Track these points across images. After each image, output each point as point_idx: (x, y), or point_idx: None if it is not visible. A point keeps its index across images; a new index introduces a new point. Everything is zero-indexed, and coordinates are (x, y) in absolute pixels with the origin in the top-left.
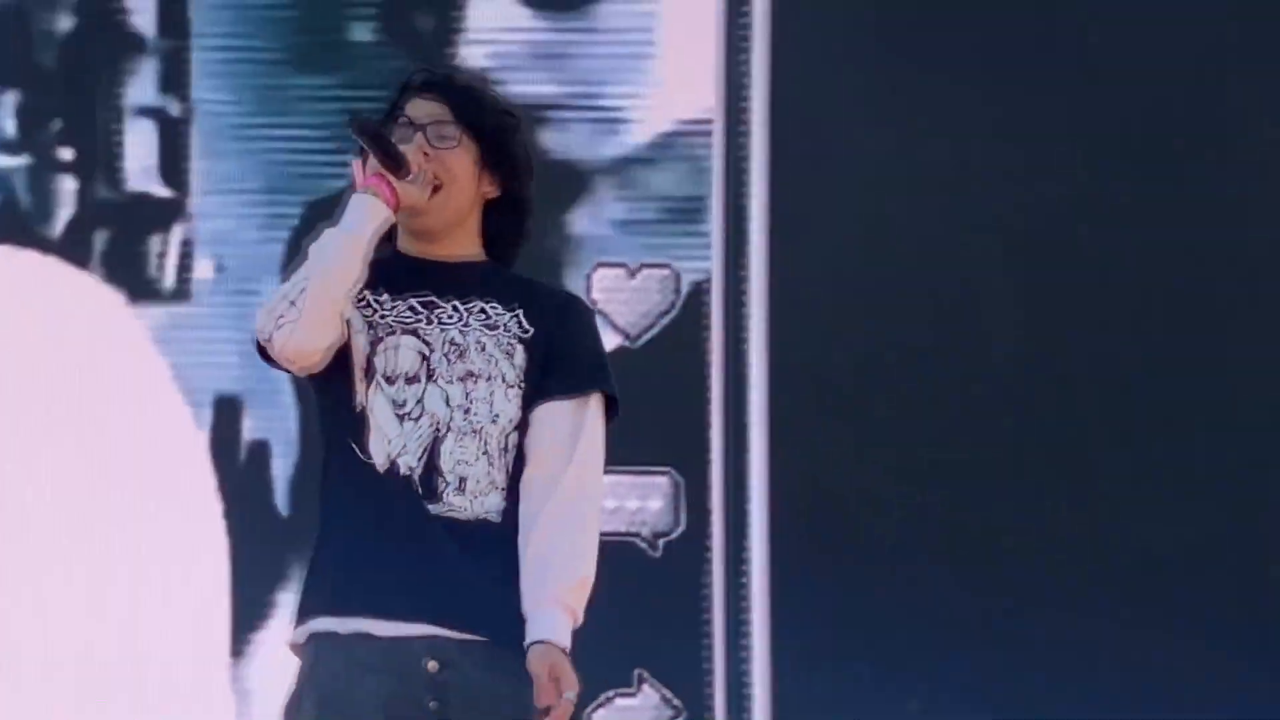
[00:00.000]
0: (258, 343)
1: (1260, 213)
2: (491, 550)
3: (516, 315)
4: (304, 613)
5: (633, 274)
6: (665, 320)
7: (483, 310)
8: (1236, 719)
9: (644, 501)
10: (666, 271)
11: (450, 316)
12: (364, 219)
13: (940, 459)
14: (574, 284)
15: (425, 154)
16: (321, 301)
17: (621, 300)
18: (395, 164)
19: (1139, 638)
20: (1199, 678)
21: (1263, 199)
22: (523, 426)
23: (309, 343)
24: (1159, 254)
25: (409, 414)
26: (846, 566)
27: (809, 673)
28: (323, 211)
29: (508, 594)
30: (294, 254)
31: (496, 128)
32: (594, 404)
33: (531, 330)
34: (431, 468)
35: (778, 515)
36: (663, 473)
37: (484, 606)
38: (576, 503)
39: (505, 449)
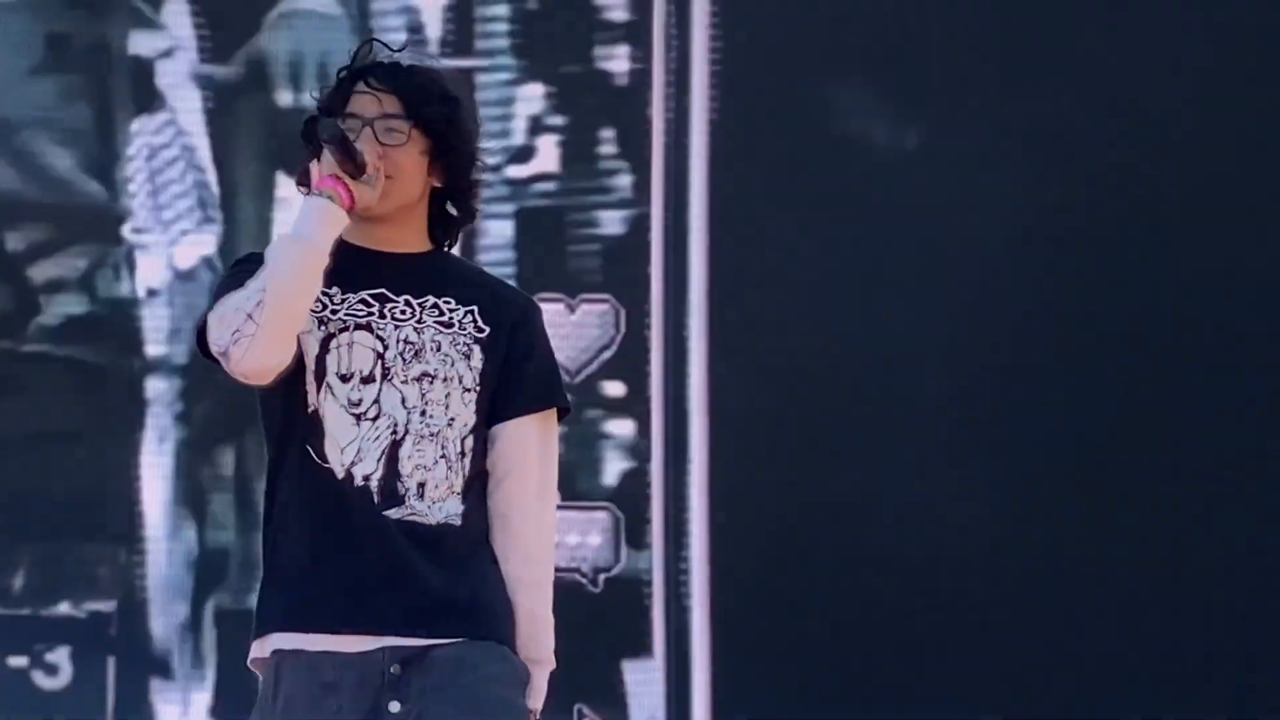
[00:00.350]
0: (200, 341)
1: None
2: (458, 554)
3: (472, 312)
4: (264, 625)
5: (572, 309)
6: (605, 355)
7: (436, 306)
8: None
9: (584, 537)
10: (606, 306)
11: (404, 313)
12: (323, 226)
13: (880, 491)
14: None
15: (378, 153)
16: (281, 317)
17: (561, 335)
18: (355, 166)
19: (1086, 641)
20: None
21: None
22: (479, 433)
23: (269, 358)
24: (1097, 287)
25: (365, 414)
26: (787, 599)
27: (750, 705)
28: None
29: (480, 595)
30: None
31: (445, 119)
32: (554, 416)
33: (488, 330)
34: (391, 472)
35: (718, 550)
36: (603, 508)
37: (454, 611)
38: (549, 523)
39: (462, 453)
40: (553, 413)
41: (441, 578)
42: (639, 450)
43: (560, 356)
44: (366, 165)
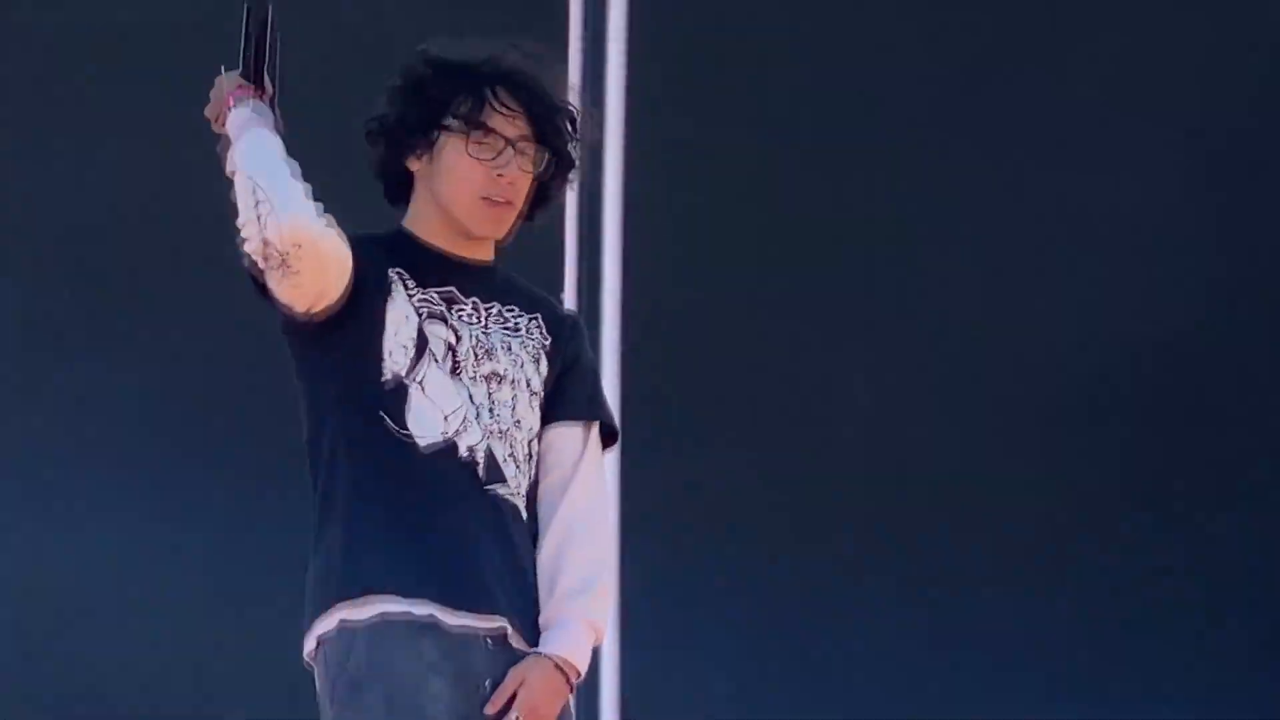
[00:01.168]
0: (255, 284)
1: None
2: (530, 548)
3: (536, 320)
4: (364, 588)
5: None
6: None
7: (500, 313)
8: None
9: None
10: None
11: (470, 315)
12: (256, 118)
13: (795, 490)
14: None
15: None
16: (277, 180)
17: None
18: (257, 82)
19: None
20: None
21: None
22: (540, 438)
23: (300, 222)
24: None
25: (478, 419)
26: (699, 593)
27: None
28: None
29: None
30: None
31: (566, 146)
32: (595, 431)
33: (550, 339)
34: (490, 453)
35: (629, 554)
36: None
37: (529, 602)
38: (589, 514)
39: (529, 455)
40: (594, 431)
41: (528, 566)
42: None
43: None
44: (266, 85)
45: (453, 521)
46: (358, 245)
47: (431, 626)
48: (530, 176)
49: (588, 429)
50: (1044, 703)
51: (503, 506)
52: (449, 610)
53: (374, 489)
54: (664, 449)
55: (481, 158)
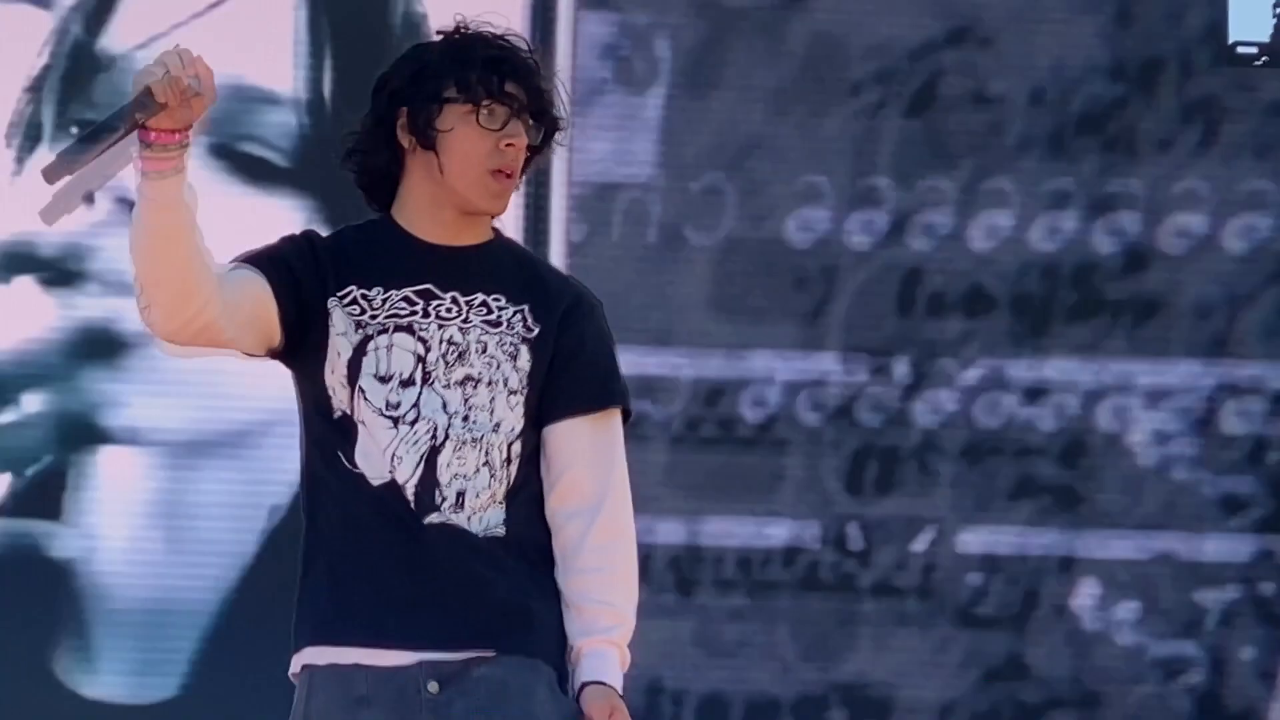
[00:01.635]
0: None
1: None
2: (497, 564)
3: (522, 311)
4: (297, 641)
5: None
6: None
7: (484, 304)
8: None
9: None
10: None
11: (449, 311)
12: (141, 179)
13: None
14: None
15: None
16: (149, 271)
17: None
18: (144, 106)
19: None
20: None
21: None
22: (526, 437)
23: (168, 321)
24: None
25: (403, 418)
26: None
27: None
28: None
29: (514, 603)
30: None
31: (557, 124)
32: (614, 419)
33: (538, 329)
34: (429, 480)
35: None
36: None
37: (489, 622)
38: (618, 534)
39: (507, 459)
40: (608, 415)
41: (477, 589)
42: None
43: None
44: (154, 93)
45: (386, 559)
46: (290, 269)
47: (359, 668)
48: (526, 147)
49: (593, 420)
50: None
51: (448, 539)
52: (377, 650)
53: (325, 527)
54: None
55: (491, 127)
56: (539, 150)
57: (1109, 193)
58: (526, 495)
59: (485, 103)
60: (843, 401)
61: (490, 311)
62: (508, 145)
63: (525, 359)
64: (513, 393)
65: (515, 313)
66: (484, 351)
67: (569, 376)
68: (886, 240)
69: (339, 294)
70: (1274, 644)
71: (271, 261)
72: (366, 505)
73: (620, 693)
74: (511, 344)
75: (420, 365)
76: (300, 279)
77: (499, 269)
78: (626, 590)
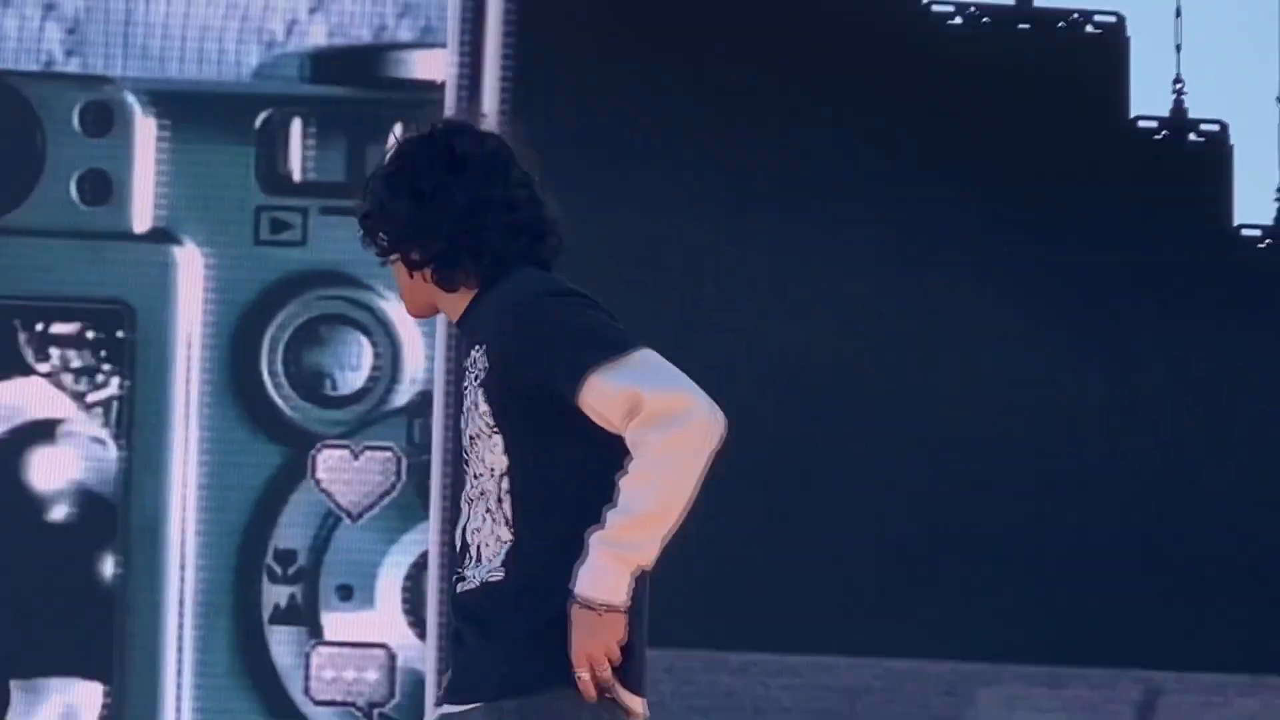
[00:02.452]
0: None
1: None
2: (483, 616)
3: (483, 351)
4: None
5: (356, 455)
6: (386, 500)
7: (474, 360)
8: None
9: (361, 673)
10: (389, 454)
11: (464, 382)
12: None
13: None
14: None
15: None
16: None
17: (344, 480)
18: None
19: None
20: None
21: None
22: (513, 471)
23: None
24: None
25: (466, 495)
26: None
27: None
28: None
29: (502, 649)
30: None
31: (385, 243)
32: (610, 368)
33: (487, 365)
34: (463, 546)
35: None
36: (380, 645)
37: (479, 673)
38: (644, 457)
39: (500, 499)
40: (598, 378)
41: (474, 644)
42: (415, 592)
43: (342, 501)
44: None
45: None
46: None
47: None
48: (391, 268)
49: (586, 386)
50: None
51: (457, 601)
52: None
53: None
54: None
55: None
56: (391, 251)
57: None
58: (534, 520)
59: None
60: None
61: (476, 364)
62: None
63: (483, 404)
64: (494, 432)
65: (479, 357)
66: (475, 408)
67: (543, 377)
68: None
69: None
70: None
71: None
72: None
73: (589, 597)
74: (474, 392)
75: (466, 438)
76: None
77: (480, 322)
78: (641, 489)
